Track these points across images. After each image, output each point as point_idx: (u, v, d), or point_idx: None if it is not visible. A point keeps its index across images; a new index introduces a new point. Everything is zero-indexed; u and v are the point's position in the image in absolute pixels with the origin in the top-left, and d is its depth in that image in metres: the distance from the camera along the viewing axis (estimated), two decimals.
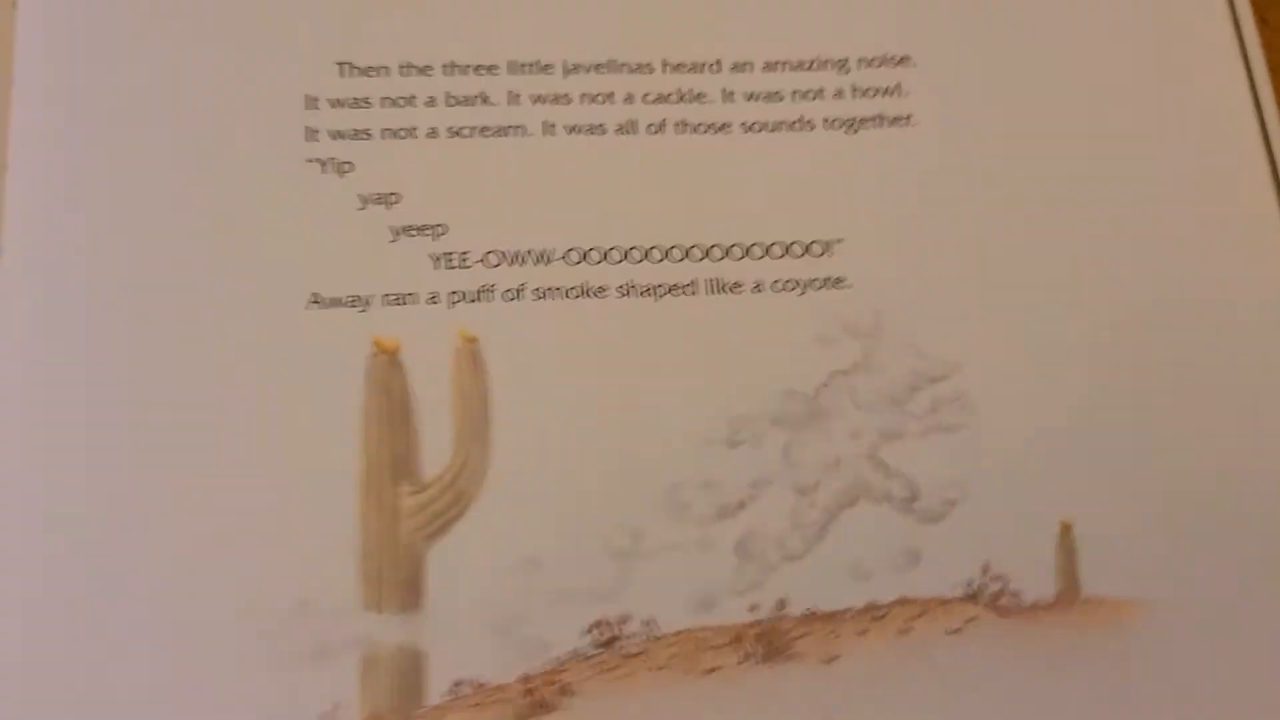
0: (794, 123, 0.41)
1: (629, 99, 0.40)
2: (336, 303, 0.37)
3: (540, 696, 0.35)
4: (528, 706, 0.35)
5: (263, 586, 0.35)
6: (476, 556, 0.36)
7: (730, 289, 0.39)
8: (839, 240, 0.39)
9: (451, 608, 0.35)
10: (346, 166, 0.38)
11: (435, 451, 0.37)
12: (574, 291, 0.38)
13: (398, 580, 0.35)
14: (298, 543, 0.35)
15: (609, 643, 0.35)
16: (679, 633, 0.36)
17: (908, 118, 0.41)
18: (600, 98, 0.40)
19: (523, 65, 0.40)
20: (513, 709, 0.35)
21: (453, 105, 0.39)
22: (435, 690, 0.35)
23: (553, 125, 0.40)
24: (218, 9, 0.40)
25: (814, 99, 0.41)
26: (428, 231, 0.38)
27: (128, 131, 0.38)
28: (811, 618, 0.36)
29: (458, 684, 0.35)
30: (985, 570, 0.36)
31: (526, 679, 0.35)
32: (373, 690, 0.35)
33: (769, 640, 0.36)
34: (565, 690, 0.35)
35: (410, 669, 0.35)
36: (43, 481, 0.35)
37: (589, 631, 0.36)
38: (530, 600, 0.36)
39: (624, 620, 0.36)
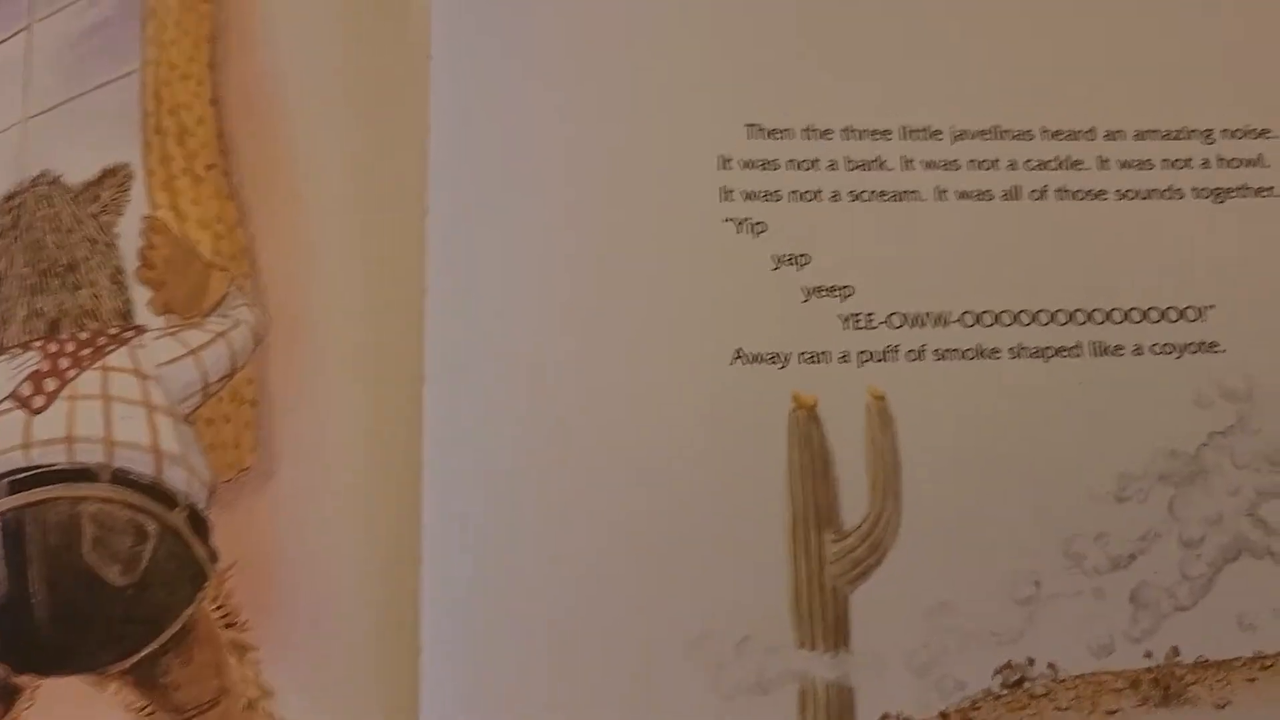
0: (1164, 191, 0.44)
1: (1012, 165, 0.44)
2: (758, 359, 0.41)
3: None
4: None
5: (709, 624, 0.39)
6: (895, 601, 0.40)
7: (1112, 351, 0.43)
8: (1210, 306, 0.43)
9: (875, 648, 0.40)
10: (760, 227, 0.42)
11: (852, 502, 0.41)
12: (970, 353, 0.42)
13: (827, 621, 0.40)
14: (737, 585, 0.40)
15: (1017, 684, 0.40)
16: (1080, 676, 0.40)
17: (1270, 189, 0.44)
18: (986, 164, 0.44)
19: (914, 131, 0.44)
20: None
21: (852, 169, 0.43)
22: None
23: (944, 191, 0.43)
24: (632, 69, 0.43)
25: (1182, 168, 0.44)
26: (836, 292, 0.42)
27: (547, 186, 0.42)
28: (1203, 665, 0.40)
29: (884, 718, 0.39)
30: None
31: (944, 715, 0.39)
32: None
33: (1164, 685, 0.40)
34: None
35: (842, 703, 0.39)
36: (519, 542, 0.40)
37: (998, 673, 0.40)
38: (944, 642, 0.40)
39: (1029, 663, 0.40)
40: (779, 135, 0.43)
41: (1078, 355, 0.43)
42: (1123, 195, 0.44)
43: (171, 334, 0.41)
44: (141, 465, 0.39)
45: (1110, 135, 0.45)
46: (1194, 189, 0.45)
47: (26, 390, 0.40)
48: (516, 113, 0.43)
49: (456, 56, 0.44)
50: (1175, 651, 0.41)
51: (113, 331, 0.41)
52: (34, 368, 0.40)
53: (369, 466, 0.41)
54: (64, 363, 0.40)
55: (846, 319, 0.42)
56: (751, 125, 0.43)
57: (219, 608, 0.39)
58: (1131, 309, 0.43)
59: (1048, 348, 0.43)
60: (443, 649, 0.40)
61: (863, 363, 0.42)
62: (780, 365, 0.42)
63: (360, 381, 0.41)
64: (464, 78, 0.43)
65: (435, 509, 0.40)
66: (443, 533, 0.40)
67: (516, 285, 0.42)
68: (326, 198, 0.42)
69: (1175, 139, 0.45)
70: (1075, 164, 0.44)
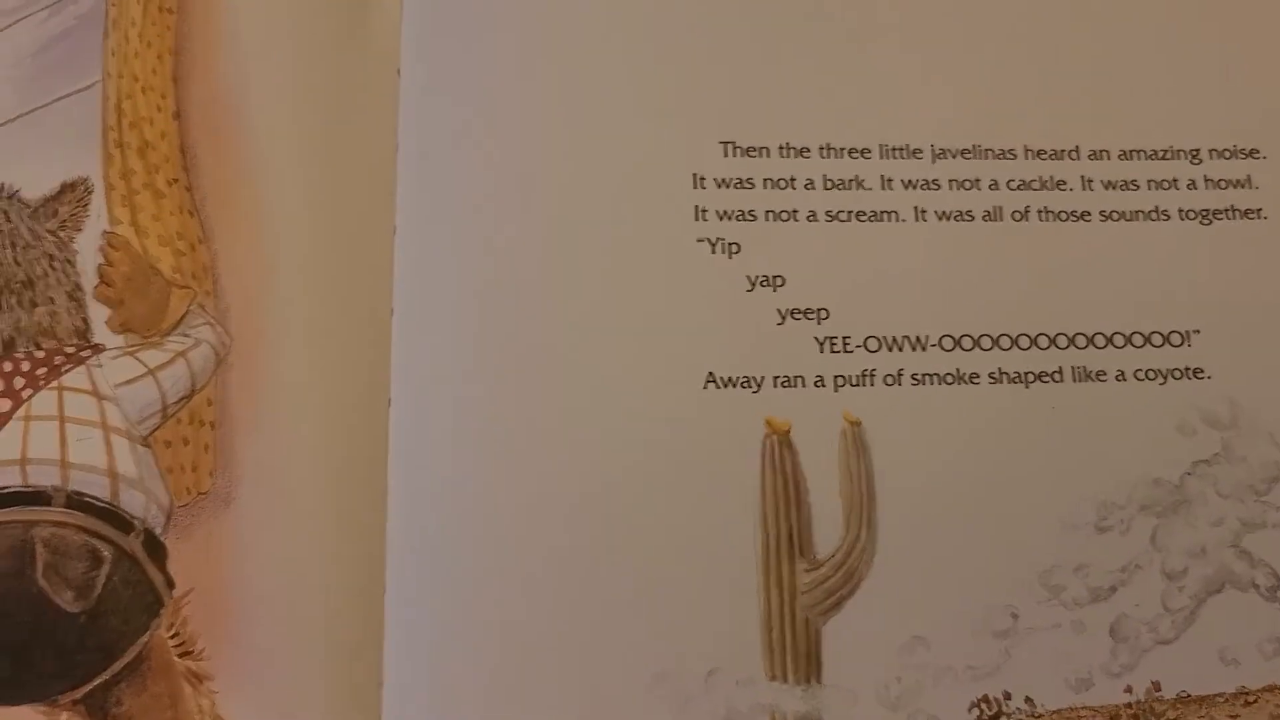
0: (1150, 212, 0.44)
1: (994, 185, 0.43)
2: (731, 383, 0.41)
3: None
4: None
5: (677, 656, 0.39)
6: (868, 633, 0.40)
7: (1095, 377, 0.42)
8: (1196, 331, 0.43)
9: (848, 681, 0.39)
10: (735, 247, 0.42)
11: (826, 530, 0.40)
12: (949, 378, 0.41)
13: (798, 653, 0.39)
14: (706, 615, 0.39)
15: (993, 719, 0.39)
16: (1059, 711, 0.39)
17: (1259, 211, 0.44)
18: (967, 184, 0.43)
19: (894, 149, 0.43)
20: None
21: (830, 189, 0.43)
22: None
23: (924, 211, 0.43)
24: (604, 86, 0.43)
25: (1168, 189, 0.44)
26: (812, 315, 0.42)
27: (518, 204, 0.42)
28: (1185, 700, 0.40)
29: None
30: None
31: None
32: None
33: None
34: None
35: None
36: (470, 568, 0.39)
37: (974, 707, 0.39)
38: (918, 675, 0.39)
39: (1006, 697, 0.39)
40: (755, 153, 0.43)
41: (1059, 381, 0.42)
42: (1107, 216, 0.44)
43: (130, 353, 0.40)
44: (97, 488, 0.39)
45: (1095, 155, 0.44)
46: (1180, 210, 0.44)
47: None
48: (487, 130, 0.43)
49: (426, 74, 0.43)
50: (1156, 686, 0.40)
51: (70, 350, 0.40)
52: None
53: (332, 491, 0.40)
54: (19, 382, 0.39)
55: (822, 342, 0.42)
56: (726, 143, 0.43)
57: (174, 636, 0.38)
58: (1115, 333, 0.43)
59: (1028, 373, 0.42)
60: (405, 680, 0.39)
61: (838, 387, 0.41)
62: (754, 389, 0.41)
63: (323, 404, 0.41)
64: (433, 95, 0.43)
65: (399, 536, 0.40)
66: (406, 561, 0.40)
67: (485, 306, 0.41)
68: (290, 215, 0.42)
69: (1161, 159, 0.44)
70: (1059, 184, 0.44)
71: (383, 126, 0.42)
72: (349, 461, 0.40)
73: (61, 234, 0.41)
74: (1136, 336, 0.43)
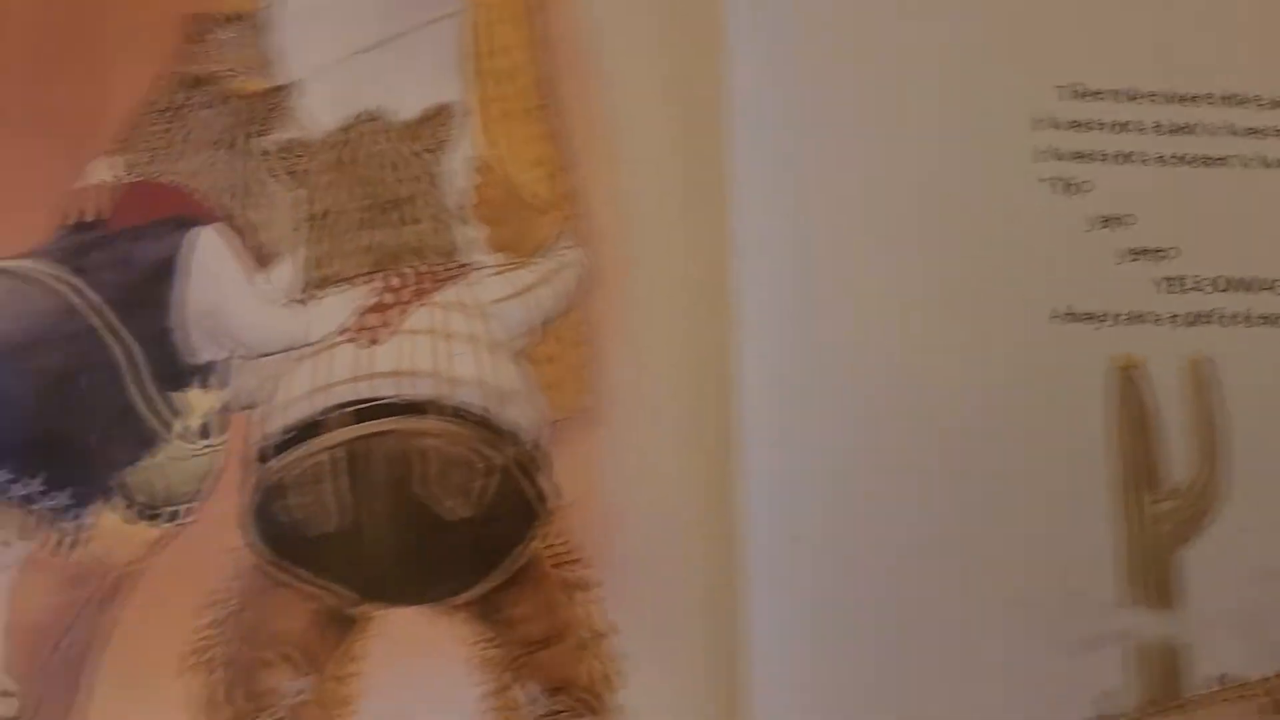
0: None
1: None
2: (1078, 318, 0.42)
3: None
4: (1273, 705, 0.40)
5: (1036, 581, 0.40)
6: (1220, 564, 0.41)
7: None
8: None
9: (1201, 608, 0.40)
10: (1082, 187, 0.43)
11: (1174, 463, 0.41)
12: None
13: (1153, 580, 0.40)
14: (1062, 542, 0.40)
15: None
16: None
17: None
18: None
19: (1228, 98, 0.44)
20: (1263, 705, 0.40)
21: (1167, 133, 0.44)
22: (1195, 683, 0.40)
23: (1259, 158, 0.44)
24: (944, 30, 0.44)
25: None
26: (1153, 255, 0.43)
27: (860, 144, 0.43)
28: None
29: (1218, 678, 0.40)
30: None
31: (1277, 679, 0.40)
32: (1142, 679, 0.39)
33: None
34: None
35: (1171, 662, 0.40)
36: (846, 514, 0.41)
37: None
38: (1271, 607, 0.40)
39: None
40: (1092, 97, 0.44)
41: None
42: None
43: (503, 272, 0.41)
44: (474, 401, 0.40)
45: None
46: None
47: (363, 323, 0.41)
48: (824, 75, 0.44)
49: (757, 22, 0.44)
50: None
51: (445, 268, 0.41)
52: (369, 301, 0.41)
53: (692, 411, 0.41)
54: (399, 297, 0.41)
55: (1161, 281, 0.43)
56: (1063, 87, 0.44)
57: (557, 544, 0.40)
58: None
59: None
60: (773, 596, 0.40)
61: (1182, 325, 0.42)
62: (1098, 325, 0.42)
63: (682, 327, 0.42)
64: (767, 41, 0.44)
65: (757, 460, 0.41)
66: (765, 483, 0.41)
67: (832, 245, 0.42)
68: (644, 148, 0.43)
69: None
70: None
71: (724, 67, 0.44)
72: (706, 384, 0.41)
73: (428, 156, 0.42)
74: None
